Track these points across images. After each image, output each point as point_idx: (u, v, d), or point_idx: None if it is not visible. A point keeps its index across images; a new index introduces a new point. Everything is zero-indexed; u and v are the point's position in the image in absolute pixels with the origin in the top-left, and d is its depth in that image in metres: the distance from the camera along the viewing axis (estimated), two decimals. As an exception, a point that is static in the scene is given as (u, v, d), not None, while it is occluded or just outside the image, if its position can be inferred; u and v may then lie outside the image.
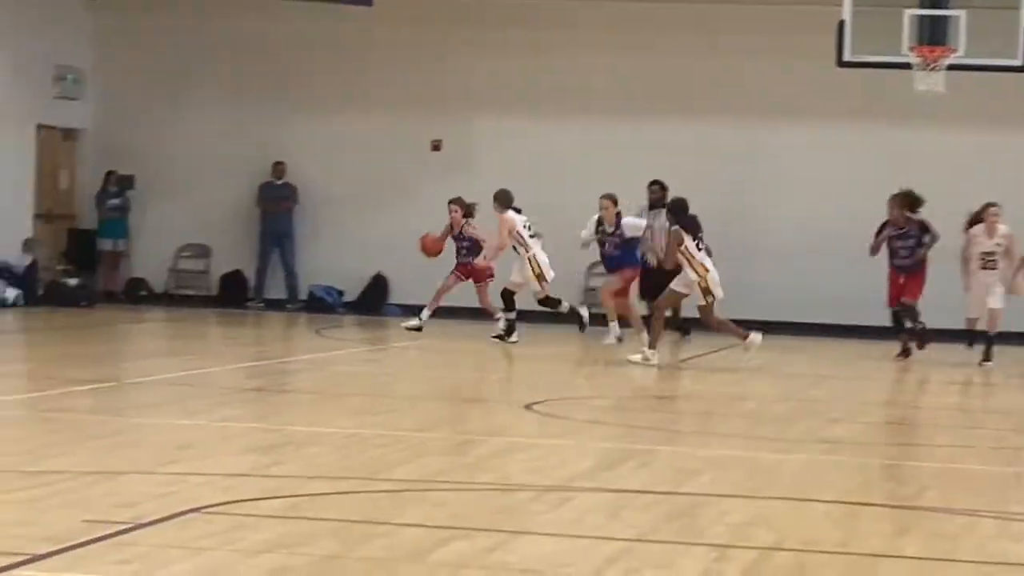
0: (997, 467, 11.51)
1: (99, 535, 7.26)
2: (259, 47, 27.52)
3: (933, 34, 22.95)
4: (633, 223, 22.21)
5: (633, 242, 22.42)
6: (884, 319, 23.50)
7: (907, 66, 22.97)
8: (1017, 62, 22.63)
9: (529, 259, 21.75)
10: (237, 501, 8.36)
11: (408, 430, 12.59)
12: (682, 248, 19.15)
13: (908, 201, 22.00)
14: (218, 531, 7.51)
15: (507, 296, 21.86)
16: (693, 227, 19.47)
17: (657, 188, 24.62)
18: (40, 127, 25.99)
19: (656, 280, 23.47)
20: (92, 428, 11.06)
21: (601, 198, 22.19)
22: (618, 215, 22.23)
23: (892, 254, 21.76)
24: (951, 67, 22.93)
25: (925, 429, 14.93)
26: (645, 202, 23.80)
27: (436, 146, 25.81)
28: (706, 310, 19.31)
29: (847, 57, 22.94)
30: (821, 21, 23.36)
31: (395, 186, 23.30)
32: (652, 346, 19.06)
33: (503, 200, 21.61)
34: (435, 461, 10.92)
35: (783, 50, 25.98)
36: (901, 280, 21.60)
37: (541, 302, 22.25)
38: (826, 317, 25.77)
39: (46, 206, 26.61)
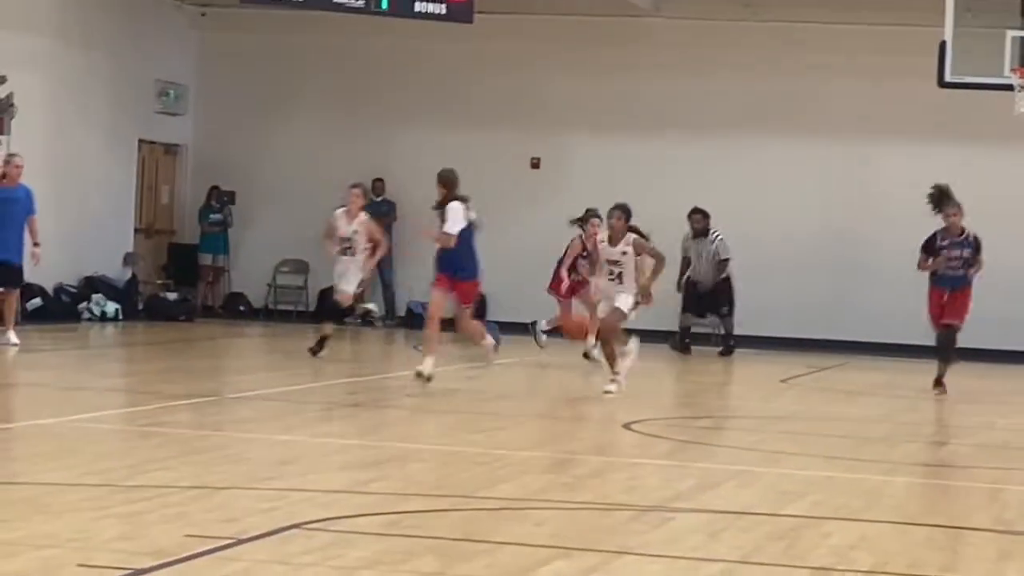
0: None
1: (201, 550, 7.29)
2: (359, 64, 27.96)
3: None
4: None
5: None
6: (987, 340, 23.58)
7: (1009, 87, 22.79)
8: None
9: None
10: (337, 518, 8.41)
11: (508, 448, 12.67)
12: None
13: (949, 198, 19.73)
14: (318, 547, 7.55)
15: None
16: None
17: (700, 217, 24.58)
18: (142, 142, 26.28)
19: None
20: (193, 443, 11.16)
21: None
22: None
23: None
24: None
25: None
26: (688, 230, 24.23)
27: (535, 164, 25.89)
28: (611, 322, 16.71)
29: (948, 78, 22.83)
30: (921, 41, 23.38)
31: (494, 203, 23.33)
32: (618, 371, 16.57)
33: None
34: (535, 480, 10.95)
35: (877, 70, 26.09)
36: (945, 297, 19.23)
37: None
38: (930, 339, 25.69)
39: (147, 221, 26.96)
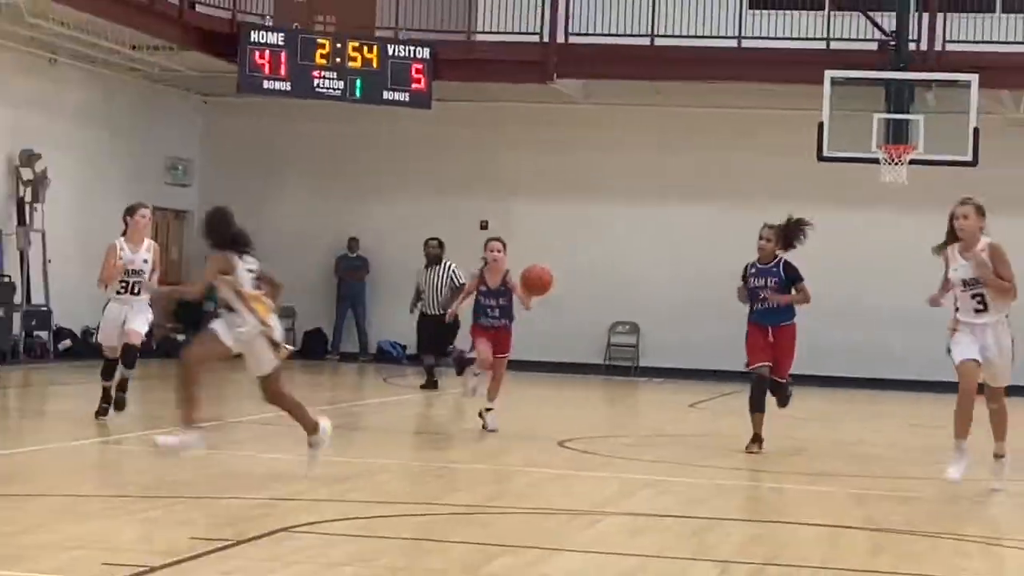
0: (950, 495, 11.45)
1: (205, 550, 7.31)
2: (337, 142, 27.99)
3: (896, 134, 23.33)
4: None
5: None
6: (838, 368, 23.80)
7: (876, 161, 23.23)
8: (967, 158, 22.83)
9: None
10: (320, 522, 8.43)
11: (461, 462, 12.78)
12: (228, 277, 10.56)
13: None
14: (304, 547, 7.64)
15: None
16: (237, 244, 10.79)
17: (435, 243, 21.53)
18: (155, 208, 26.16)
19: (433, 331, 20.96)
20: (198, 460, 10.96)
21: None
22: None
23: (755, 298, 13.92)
24: (913, 161, 23.20)
25: (891, 463, 14.55)
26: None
27: (484, 225, 25.88)
28: (274, 378, 10.69)
29: (826, 153, 23.25)
30: (805, 123, 23.47)
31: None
32: (191, 422, 10.56)
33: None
34: (485, 489, 11.01)
35: (768, 147, 25.96)
36: (769, 337, 13.91)
37: None
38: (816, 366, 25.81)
39: (159, 275, 26.89)
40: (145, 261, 14.06)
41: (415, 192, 27.23)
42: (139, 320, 14.20)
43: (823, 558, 8.17)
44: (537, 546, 8.08)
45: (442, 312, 19.62)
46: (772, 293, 13.64)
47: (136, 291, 14.10)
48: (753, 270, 13.92)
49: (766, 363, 13.70)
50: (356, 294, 27.72)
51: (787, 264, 13.86)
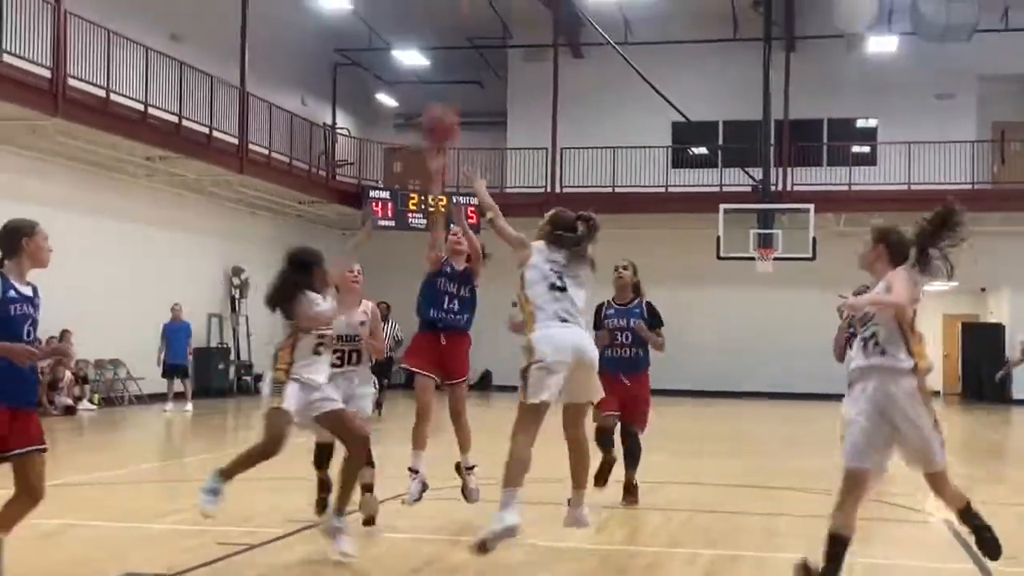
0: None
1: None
2: (423, 254, 28.19)
3: (765, 242, 23.66)
4: None
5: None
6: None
7: (752, 259, 23.54)
8: (809, 255, 23.28)
9: None
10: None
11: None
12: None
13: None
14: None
15: None
16: None
17: (384, 306, 15.44)
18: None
19: None
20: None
21: None
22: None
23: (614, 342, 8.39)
24: (776, 258, 23.60)
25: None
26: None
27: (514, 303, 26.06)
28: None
29: (722, 254, 23.62)
30: (705, 238, 24.12)
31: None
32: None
33: None
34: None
35: (688, 250, 25.59)
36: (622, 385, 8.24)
37: None
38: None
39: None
40: (362, 323, 7.34)
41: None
42: (368, 400, 7.39)
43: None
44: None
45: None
46: (641, 326, 8.19)
47: (355, 360, 7.30)
48: (611, 311, 8.32)
49: (614, 412, 8.13)
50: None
51: (650, 306, 8.37)
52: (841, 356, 8.01)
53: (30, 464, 5.02)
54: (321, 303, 6.28)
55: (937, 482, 5.06)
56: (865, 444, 4.93)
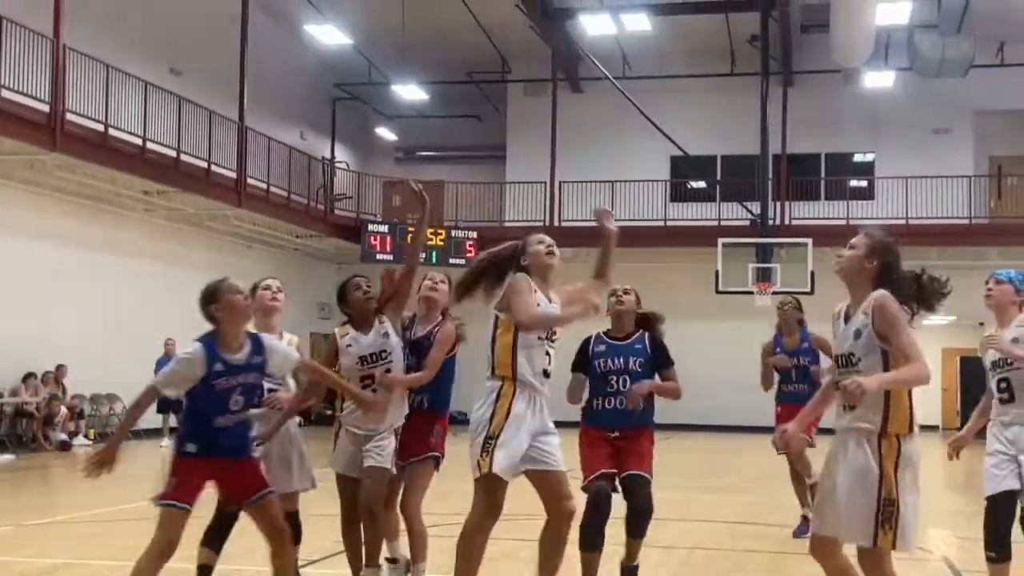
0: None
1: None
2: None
3: (763, 276, 23.66)
4: None
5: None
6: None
7: (751, 293, 23.48)
8: (807, 289, 22.84)
9: None
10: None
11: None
12: None
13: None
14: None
15: None
16: None
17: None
18: (312, 334, 24.93)
19: None
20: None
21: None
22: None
23: None
24: (774, 292, 23.22)
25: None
26: None
27: None
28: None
29: (720, 288, 23.64)
30: (705, 273, 24.31)
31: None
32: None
33: None
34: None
35: (689, 285, 25.36)
36: (614, 442, 5.93)
37: None
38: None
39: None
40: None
41: (471, 318, 27.50)
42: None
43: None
44: None
45: None
46: (636, 393, 5.88)
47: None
48: (601, 346, 6.12)
49: (609, 471, 5.89)
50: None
51: (656, 341, 6.18)
52: (768, 386, 8.79)
53: (262, 508, 4.99)
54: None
55: None
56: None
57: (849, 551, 4.44)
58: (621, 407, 5.91)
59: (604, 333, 6.22)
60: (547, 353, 5.12)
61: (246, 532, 5.48)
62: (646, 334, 6.18)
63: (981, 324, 28.85)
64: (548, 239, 5.39)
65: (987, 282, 5.83)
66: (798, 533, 8.39)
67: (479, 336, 5.55)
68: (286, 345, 5.48)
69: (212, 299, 4.99)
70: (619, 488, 5.91)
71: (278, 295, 5.96)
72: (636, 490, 5.82)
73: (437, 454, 5.90)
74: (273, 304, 5.91)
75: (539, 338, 5.08)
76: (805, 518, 8.27)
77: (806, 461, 8.65)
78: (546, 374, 5.11)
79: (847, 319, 4.43)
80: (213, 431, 4.91)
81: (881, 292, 4.35)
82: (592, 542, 5.75)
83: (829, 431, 4.57)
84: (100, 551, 7.82)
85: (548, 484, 5.02)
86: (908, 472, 4.23)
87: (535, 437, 5.01)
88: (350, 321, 5.78)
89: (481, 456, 4.90)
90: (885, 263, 4.48)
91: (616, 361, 6.03)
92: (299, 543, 5.79)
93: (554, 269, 5.32)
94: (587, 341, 6.15)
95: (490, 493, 4.90)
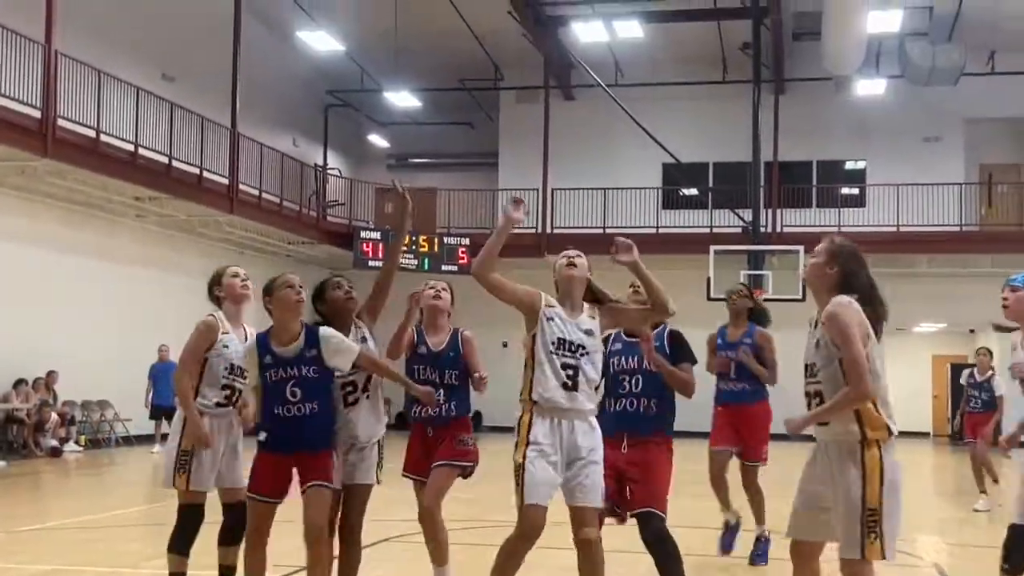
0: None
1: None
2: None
3: (755, 283, 23.32)
4: None
5: None
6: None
7: None
8: (799, 296, 22.81)
9: None
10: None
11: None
12: None
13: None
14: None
15: None
16: None
17: None
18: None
19: None
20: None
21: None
22: None
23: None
24: (766, 299, 24.46)
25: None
26: None
27: (504, 344, 23.41)
28: None
29: (712, 295, 23.32)
30: (696, 277, 23.91)
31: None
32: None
33: None
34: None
35: (679, 292, 26.54)
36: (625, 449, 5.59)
37: None
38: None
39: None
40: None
41: (463, 322, 27.59)
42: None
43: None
44: None
45: None
46: (651, 352, 5.50)
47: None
48: (618, 345, 5.79)
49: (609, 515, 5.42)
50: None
51: (674, 335, 5.88)
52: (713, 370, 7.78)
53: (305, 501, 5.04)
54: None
55: None
56: None
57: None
58: (632, 408, 5.57)
59: (624, 331, 5.79)
60: (567, 366, 4.83)
61: (287, 532, 5.48)
62: (666, 331, 5.80)
63: (972, 331, 29.10)
64: (572, 251, 5.25)
65: (1002, 290, 5.52)
66: (726, 546, 7.76)
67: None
68: (345, 338, 5.33)
69: (267, 292, 5.15)
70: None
71: (247, 282, 5.87)
72: (644, 525, 5.36)
73: (472, 463, 5.86)
74: (244, 292, 5.81)
75: (551, 352, 4.84)
76: (729, 524, 7.78)
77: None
78: (568, 387, 4.80)
79: (816, 327, 4.34)
80: (277, 422, 4.99)
81: (836, 300, 4.23)
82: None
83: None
84: (91, 557, 7.83)
85: (573, 517, 4.87)
86: (888, 479, 4.15)
87: (568, 466, 4.80)
88: (323, 323, 5.43)
89: (515, 490, 4.80)
90: (846, 270, 4.35)
91: (631, 361, 5.69)
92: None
93: (575, 280, 5.12)
94: (607, 338, 5.64)
95: (526, 519, 4.75)
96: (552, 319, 4.93)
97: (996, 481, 12.50)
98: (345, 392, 5.42)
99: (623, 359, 5.67)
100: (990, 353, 12.69)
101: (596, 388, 5.02)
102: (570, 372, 4.82)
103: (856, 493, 4.08)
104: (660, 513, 5.27)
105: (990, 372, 12.50)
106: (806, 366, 4.36)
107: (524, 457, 4.74)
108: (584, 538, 4.77)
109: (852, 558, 4.11)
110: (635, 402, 5.54)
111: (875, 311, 4.28)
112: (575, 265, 5.12)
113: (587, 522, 4.78)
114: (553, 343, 4.87)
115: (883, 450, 4.17)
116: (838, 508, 4.12)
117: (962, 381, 12.78)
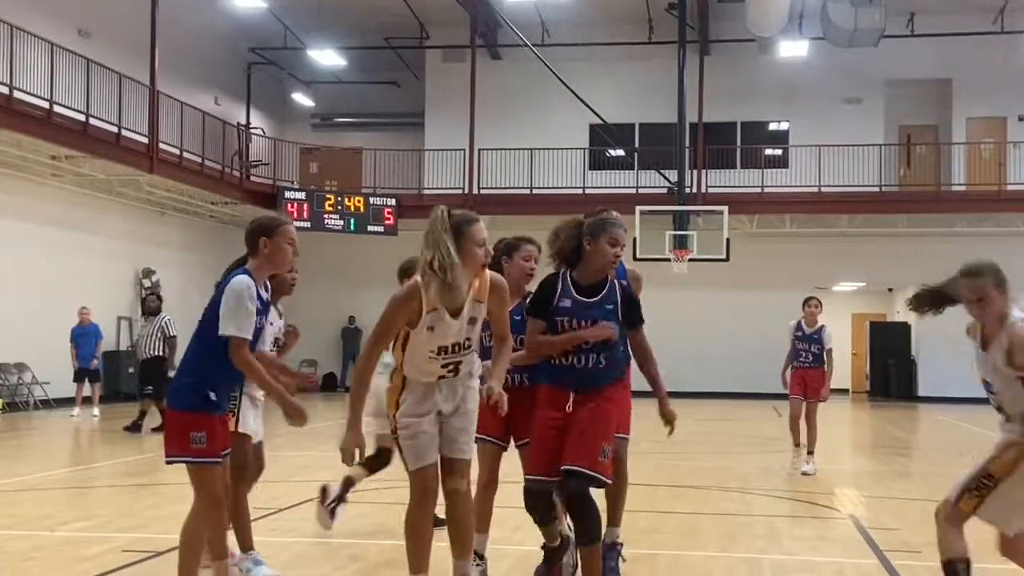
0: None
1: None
2: (340, 258, 27.40)
3: (680, 243, 24.01)
4: None
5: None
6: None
7: (668, 260, 23.79)
8: (723, 257, 23.63)
9: None
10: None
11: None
12: None
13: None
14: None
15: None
16: None
17: (154, 298, 15.78)
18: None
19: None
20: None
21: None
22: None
23: None
24: (691, 259, 24.01)
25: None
26: None
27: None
28: None
29: (638, 256, 23.27)
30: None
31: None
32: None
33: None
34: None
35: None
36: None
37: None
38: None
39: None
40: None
41: (391, 288, 27.28)
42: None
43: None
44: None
45: (151, 356, 15.00)
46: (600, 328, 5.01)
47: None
48: (567, 303, 5.11)
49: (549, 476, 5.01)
50: (355, 351, 26.73)
51: (626, 291, 5.29)
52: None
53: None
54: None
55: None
56: None
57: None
58: (580, 365, 5.02)
59: (572, 282, 5.15)
60: (448, 363, 4.66)
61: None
62: (617, 286, 5.19)
63: (890, 290, 29.72)
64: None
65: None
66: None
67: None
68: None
69: (265, 233, 4.84)
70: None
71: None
72: (564, 483, 4.95)
73: None
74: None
75: (431, 355, 4.63)
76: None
77: None
78: (445, 377, 4.67)
79: (978, 339, 4.57)
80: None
81: (1013, 324, 4.39)
82: (544, 521, 5.33)
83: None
84: (6, 521, 7.73)
85: (443, 467, 4.76)
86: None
87: (443, 418, 4.72)
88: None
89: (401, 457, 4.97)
90: (1002, 287, 4.53)
91: (582, 323, 5.06)
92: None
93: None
94: (552, 288, 5.12)
95: (418, 481, 4.69)
96: (432, 328, 4.57)
97: (800, 445, 11.36)
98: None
99: (573, 321, 5.05)
100: (820, 304, 11.63)
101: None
102: (451, 368, 4.66)
103: (988, 458, 4.46)
104: (587, 472, 4.86)
105: (819, 324, 11.41)
106: (983, 381, 4.57)
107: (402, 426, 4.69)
108: (453, 487, 4.71)
109: (950, 500, 4.47)
110: (583, 359, 5.03)
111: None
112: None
113: (456, 472, 4.69)
114: (432, 351, 4.62)
115: None
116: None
117: (788, 333, 11.57)
